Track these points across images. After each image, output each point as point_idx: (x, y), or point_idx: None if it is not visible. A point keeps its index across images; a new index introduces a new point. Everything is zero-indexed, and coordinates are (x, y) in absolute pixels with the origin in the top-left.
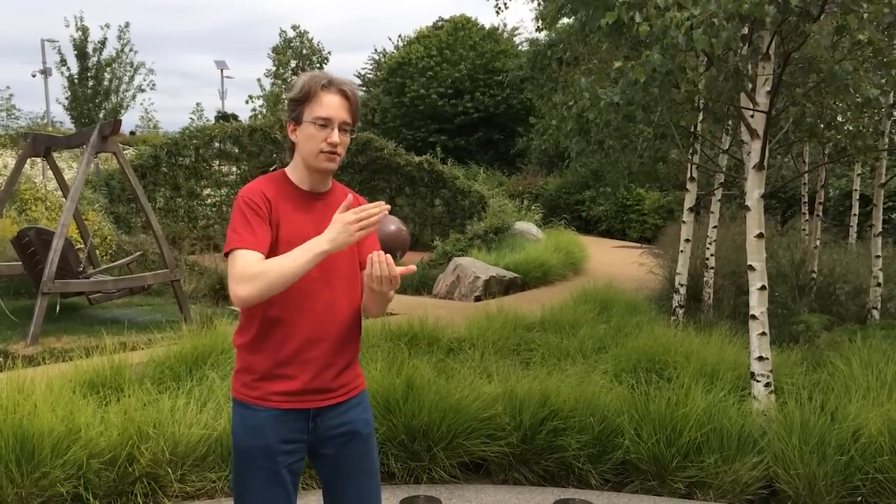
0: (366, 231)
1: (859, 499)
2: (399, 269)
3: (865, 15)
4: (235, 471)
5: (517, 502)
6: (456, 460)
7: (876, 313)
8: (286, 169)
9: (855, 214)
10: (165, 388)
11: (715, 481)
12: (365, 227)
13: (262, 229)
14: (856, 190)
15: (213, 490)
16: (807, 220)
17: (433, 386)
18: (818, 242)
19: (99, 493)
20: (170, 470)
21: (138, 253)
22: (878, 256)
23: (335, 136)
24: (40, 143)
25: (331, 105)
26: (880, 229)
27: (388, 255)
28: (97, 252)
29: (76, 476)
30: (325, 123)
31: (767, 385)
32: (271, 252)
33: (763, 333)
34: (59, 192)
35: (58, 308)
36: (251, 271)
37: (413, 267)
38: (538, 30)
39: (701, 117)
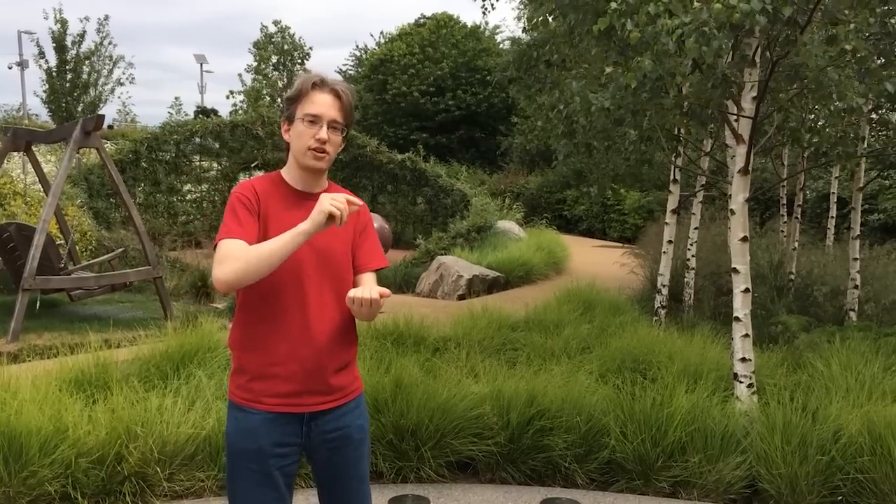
0: (339, 218)
1: (840, 498)
2: (377, 294)
3: (852, 25)
4: (229, 472)
5: (504, 501)
6: (444, 459)
7: (853, 315)
8: (282, 170)
9: (832, 217)
10: (152, 386)
11: (699, 481)
12: (340, 210)
13: (250, 221)
14: (833, 192)
15: (201, 489)
16: (785, 222)
17: (421, 385)
18: (796, 244)
19: (87, 492)
20: (158, 469)
21: (120, 249)
22: (855, 259)
23: (323, 133)
24: (20, 138)
25: (321, 103)
26: (858, 232)
27: (364, 291)
28: (77, 248)
29: (64, 475)
30: (314, 120)
31: (750, 386)
32: None
33: (746, 335)
34: (38, 187)
35: (37, 304)
36: (233, 255)
37: (388, 291)
38: (524, 30)
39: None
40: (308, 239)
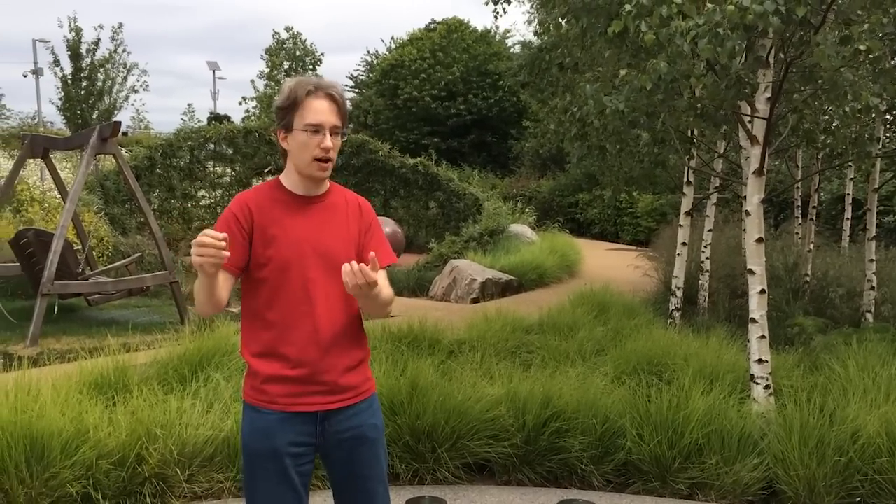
0: (205, 260)
1: (858, 500)
2: (370, 273)
3: (866, 25)
4: (245, 472)
5: (521, 503)
6: (460, 461)
7: (870, 316)
8: (281, 175)
9: (847, 218)
10: (171, 389)
11: (716, 482)
12: (203, 254)
13: (232, 238)
14: (848, 194)
15: (220, 490)
16: (800, 224)
17: (437, 387)
18: (811, 246)
19: (108, 493)
20: (178, 470)
21: (137, 254)
22: (871, 260)
23: (328, 141)
24: (38, 145)
25: (320, 110)
26: (874, 233)
27: (356, 264)
28: (94, 253)
29: (85, 476)
30: (317, 129)
31: (767, 387)
32: (260, 255)
33: (763, 336)
34: (55, 193)
35: (55, 309)
36: (195, 287)
37: (374, 276)
38: (536, 34)
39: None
40: (205, 279)
